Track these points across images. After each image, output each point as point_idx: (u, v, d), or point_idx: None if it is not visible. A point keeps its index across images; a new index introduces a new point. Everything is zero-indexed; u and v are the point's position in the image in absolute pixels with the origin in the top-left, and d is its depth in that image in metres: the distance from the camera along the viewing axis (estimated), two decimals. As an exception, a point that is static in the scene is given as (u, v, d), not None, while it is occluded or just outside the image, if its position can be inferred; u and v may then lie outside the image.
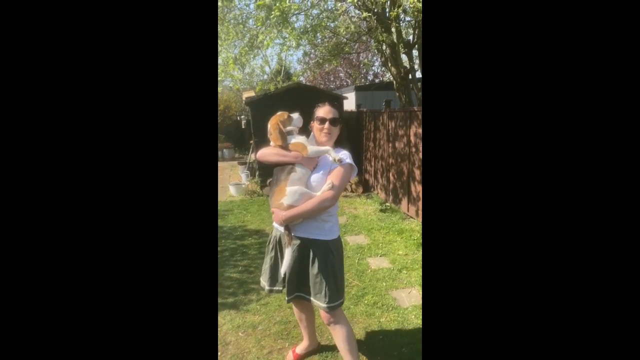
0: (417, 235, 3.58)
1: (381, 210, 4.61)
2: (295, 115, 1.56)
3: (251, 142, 6.56)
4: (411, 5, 3.37)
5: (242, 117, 11.48)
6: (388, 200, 4.93)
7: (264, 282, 1.64)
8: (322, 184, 1.45)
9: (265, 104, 5.76)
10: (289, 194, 1.43)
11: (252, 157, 6.73)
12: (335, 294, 1.49)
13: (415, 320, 2.16)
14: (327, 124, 1.50)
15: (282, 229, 1.50)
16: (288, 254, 1.47)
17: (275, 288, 1.60)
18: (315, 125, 1.54)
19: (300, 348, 1.85)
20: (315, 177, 1.47)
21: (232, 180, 6.64)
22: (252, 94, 7.24)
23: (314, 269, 1.49)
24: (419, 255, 3.14)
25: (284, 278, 1.54)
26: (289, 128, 1.53)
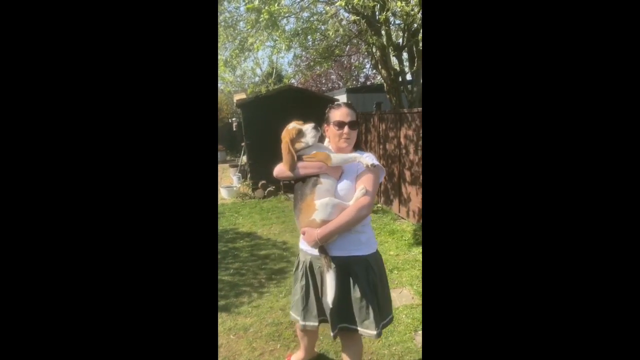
0: (408, 236, 3.61)
1: (373, 212, 4.63)
2: (308, 129, 1.34)
3: (243, 144, 6.55)
4: (400, 9, 3.42)
5: (234, 119, 11.46)
6: (379, 201, 4.97)
7: (295, 315, 1.45)
8: (352, 192, 1.30)
9: (256, 106, 5.76)
10: (320, 208, 1.26)
11: (243, 159, 6.70)
12: (383, 314, 1.34)
13: (406, 319, 2.18)
14: (346, 128, 1.33)
15: (314, 251, 1.31)
16: (331, 280, 1.26)
17: (310, 323, 1.39)
18: (331, 129, 1.36)
19: (296, 358, 1.76)
20: (342, 186, 1.31)
21: (224, 183, 6.60)
22: (243, 96, 7.23)
23: (356, 293, 1.30)
24: (410, 255, 3.17)
25: (320, 309, 1.35)
26: (300, 145, 1.35)
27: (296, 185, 1.38)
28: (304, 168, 1.33)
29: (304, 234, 1.32)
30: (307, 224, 1.30)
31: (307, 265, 1.39)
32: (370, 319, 1.30)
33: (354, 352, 1.45)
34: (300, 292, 1.41)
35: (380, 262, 1.41)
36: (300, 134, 1.35)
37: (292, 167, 1.33)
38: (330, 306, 1.29)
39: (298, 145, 1.35)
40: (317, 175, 1.31)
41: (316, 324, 1.38)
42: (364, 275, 1.31)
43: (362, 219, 1.28)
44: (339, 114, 1.35)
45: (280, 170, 1.39)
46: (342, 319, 1.35)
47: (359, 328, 1.33)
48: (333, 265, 1.28)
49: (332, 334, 1.36)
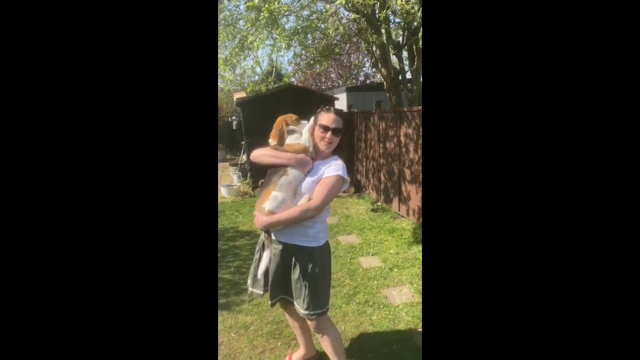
0: (408, 234, 3.61)
1: (372, 210, 4.64)
2: (305, 122, 1.50)
3: (242, 143, 6.55)
4: (400, 7, 3.41)
5: (234, 118, 11.43)
6: (379, 200, 4.97)
7: (249, 280, 1.64)
8: (311, 192, 1.40)
9: (256, 105, 5.76)
10: (271, 199, 1.38)
11: (243, 158, 6.70)
12: (316, 303, 1.45)
13: (406, 317, 2.18)
14: (329, 134, 1.41)
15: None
16: (265, 257, 1.46)
17: (255, 290, 1.58)
18: (316, 131, 1.45)
19: (297, 356, 1.80)
20: (305, 184, 1.41)
21: (224, 182, 6.60)
22: (243, 95, 7.22)
23: (294, 275, 1.46)
24: (409, 253, 3.18)
25: (266, 281, 1.51)
26: (292, 128, 1.47)
27: (269, 170, 1.48)
28: (275, 157, 1.42)
29: (254, 215, 1.46)
30: (259, 209, 1.43)
31: (263, 241, 1.54)
32: (301, 299, 1.45)
33: (331, 341, 1.54)
34: (254, 263, 1.59)
35: (326, 257, 1.52)
36: (297, 120, 1.48)
37: (281, 139, 1.45)
38: (258, 278, 1.51)
39: (291, 123, 1.47)
40: (287, 166, 1.40)
41: (261, 292, 1.56)
42: (304, 264, 1.44)
43: (307, 219, 1.39)
44: (326, 118, 1.43)
45: (256, 154, 1.49)
46: (281, 291, 1.53)
47: (294, 301, 1.50)
48: (274, 247, 1.47)
49: (270, 302, 1.54)
